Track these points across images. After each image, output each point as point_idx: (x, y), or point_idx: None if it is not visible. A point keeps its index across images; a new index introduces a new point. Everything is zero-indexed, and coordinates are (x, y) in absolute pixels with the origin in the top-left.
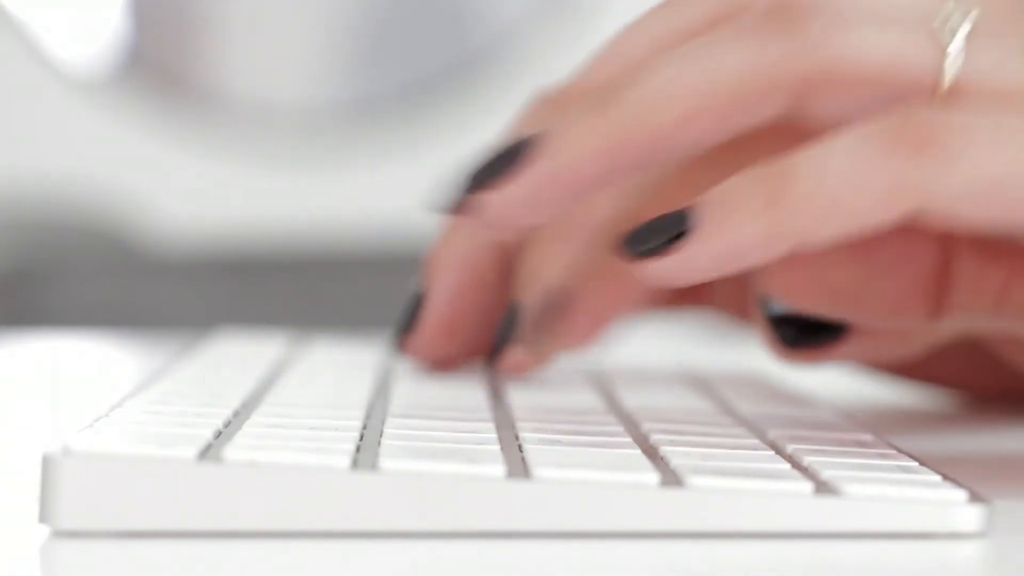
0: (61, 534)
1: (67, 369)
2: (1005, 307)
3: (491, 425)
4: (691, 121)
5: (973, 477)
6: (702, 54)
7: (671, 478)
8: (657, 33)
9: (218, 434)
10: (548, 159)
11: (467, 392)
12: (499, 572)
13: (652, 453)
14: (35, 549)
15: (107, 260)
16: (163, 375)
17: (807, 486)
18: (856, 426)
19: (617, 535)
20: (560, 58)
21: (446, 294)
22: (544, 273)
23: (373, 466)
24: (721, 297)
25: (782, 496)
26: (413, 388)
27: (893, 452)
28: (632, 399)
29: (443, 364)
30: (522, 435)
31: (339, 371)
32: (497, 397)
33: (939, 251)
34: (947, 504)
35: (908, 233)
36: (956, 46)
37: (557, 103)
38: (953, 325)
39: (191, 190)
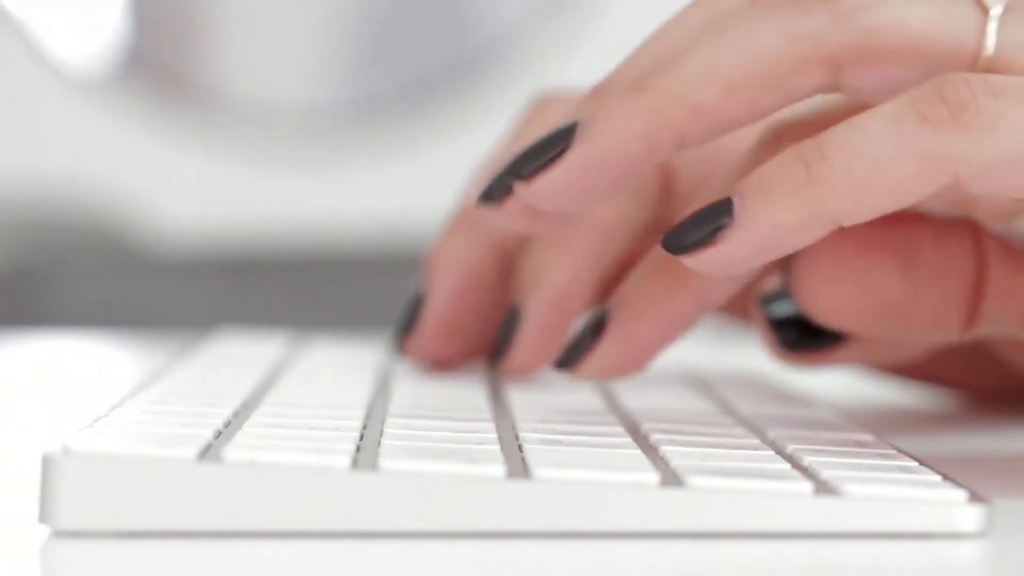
0: (61, 534)
1: (67, 369)
2: None
3: (491, 425)
4: (730, 97)
5: (973, 477)
6: (740, 29)
7: (671, 478)
8: (695, 24)
9: (218, 434)
10: (589, 144)
11: (467, 392)
12: (499, 572)
13: (652, 453)
14: (35, 549)
15: (107, 260)
16: (163, 375)
17: (807, 486)
18: (856, 426)
19: (617, 535)
20: (560, 58)
21: (446, 295)
22: (545, 275)
23: (373, 466)
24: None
25: (782, 496)
26: (413, 388)
27: (893, 452)
28: (632, 399)
29: (443, 364)
30: (522, 435)
31: (339, 371)
32: (497, 397)
33: (976, 261)
34: (947, 504)
35: (949, 244)
36: (994, 20)
37: (596, 92)
38: (980, 336)
39: (191, 190)
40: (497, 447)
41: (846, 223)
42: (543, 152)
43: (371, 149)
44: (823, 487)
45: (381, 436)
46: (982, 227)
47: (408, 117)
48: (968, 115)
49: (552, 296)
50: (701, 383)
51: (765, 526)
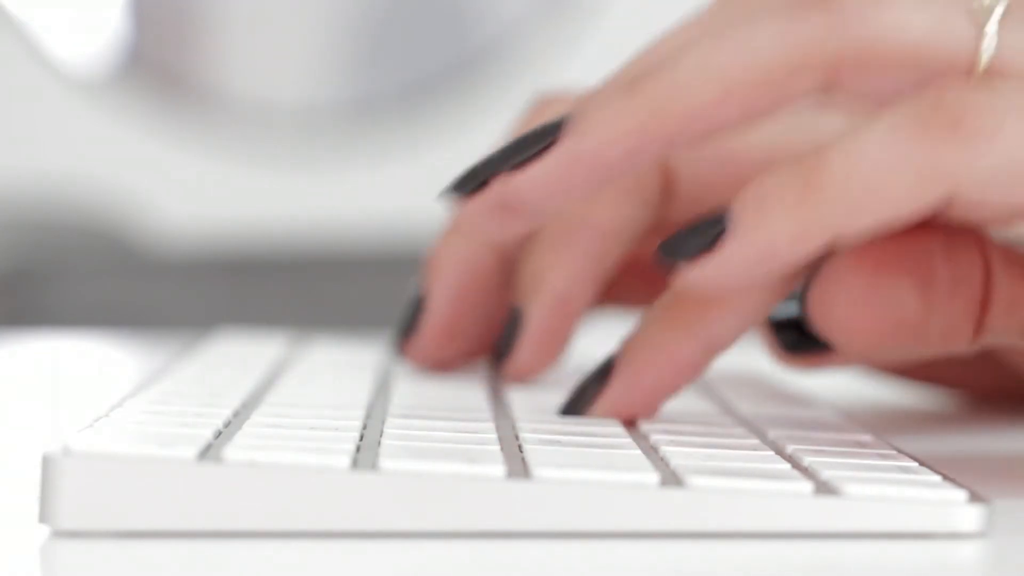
0: (61, 534)
1: (67, 369)
2: None
3: (491, 425)
4: (723, 100)
5: (973, 477)
6: (736, 32)
7: (671, 478)
8: (698, 28)
9: (218, 434)
10: (578, 139)
11: (467, 392)
12: (499, 572)
13: (652, 453)
14: (35, 549)
15: (107, 260)
16: (163, 375)
17: (807, 486)
18: (856, 426)
19: (617, 535)
20: (560, 58)
21: (446, 297)
22: (546, 277)
23: (373, 466)
24: None
25: (782, 496)
26: (413, 388)
27: (893, 452)
28: None
29: (443, 365)
30: (522, 435)
31: (339, 371)
32: (497, 397)
33: (984, 271)
34: (947, 504)
35: (959, 258)
36: (993, 24)
37: (590, 92)
38: (983, 347)
39: (191, 190)
40: (497, 447)
41: (844, 237)
42: (530, 145)
43: (371, 149)
44: (823, 487)
45: (381, 436)
46: (986, 237)
47: (408, 117)
48: (966, 126)
49: (553, 299)
50: (701, 383)
51: (765, 526)
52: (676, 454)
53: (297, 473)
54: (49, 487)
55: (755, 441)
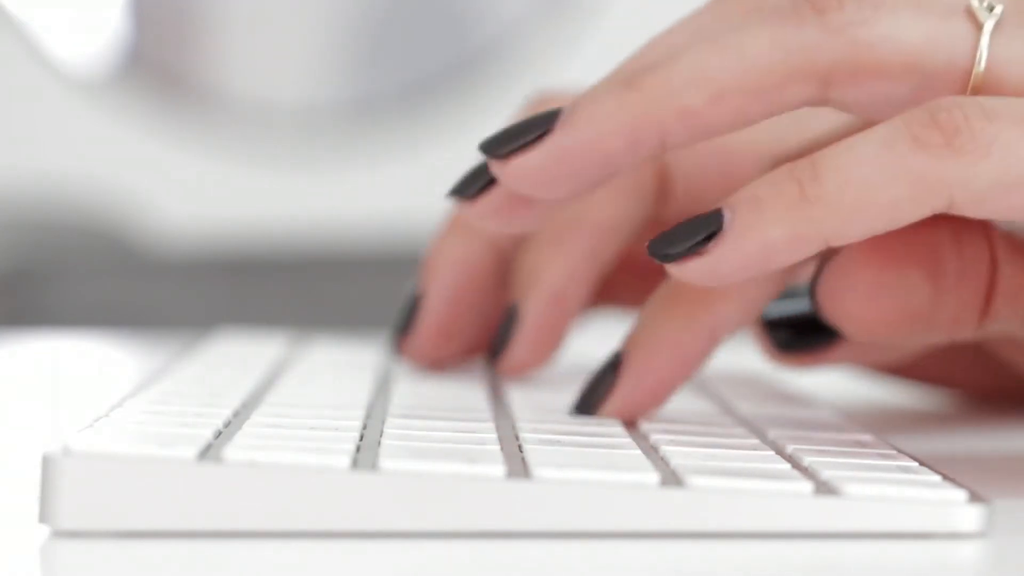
0: (61, 534)
1: (67, 369)
2: None
3: (491, 425)
4: (717, 103)
5: (973, 477)
6: (732, 37)
7: (671, 478)
8: (693, 32)
9: (218, 434)
10: (570, 131)
11: (467, 392)
12: (499, 572)
13: (652, 453)
14: (35, 549)
15: (107, 260)
16: (163, 375)
17: (807, 486)
18: (856, 426)
19: (617, 535)
20: (560, 58)
21: (443, 296)
22: (542, 274)
23: (373, 466)
24: None
25: (782, 496)
26: (413, 388)
27: (893, 452)
28: None
29: (440, 364)
30: (522, 435)
31: (339, 371)
32: (497, 397)
33: (990, 263)
34: (947, 504)
35: (967, 246)
36: (986, 36)
37: (587, 89)
38: (987, 334)
39: (191, 190)
40: (497, 447)
41: (836, 243)
42: (523, 133)
43: (371, 149)
44: (823, 487)
45: (381, 436)
46: (992, 227)
47: (408, 117)
48: (961, 139)
49: (549, 295)
50: (701, 383)
51: (765, 526)
52: (676, 454)
53: (297, 473)
54: (49, 487)
55: (755, 441)
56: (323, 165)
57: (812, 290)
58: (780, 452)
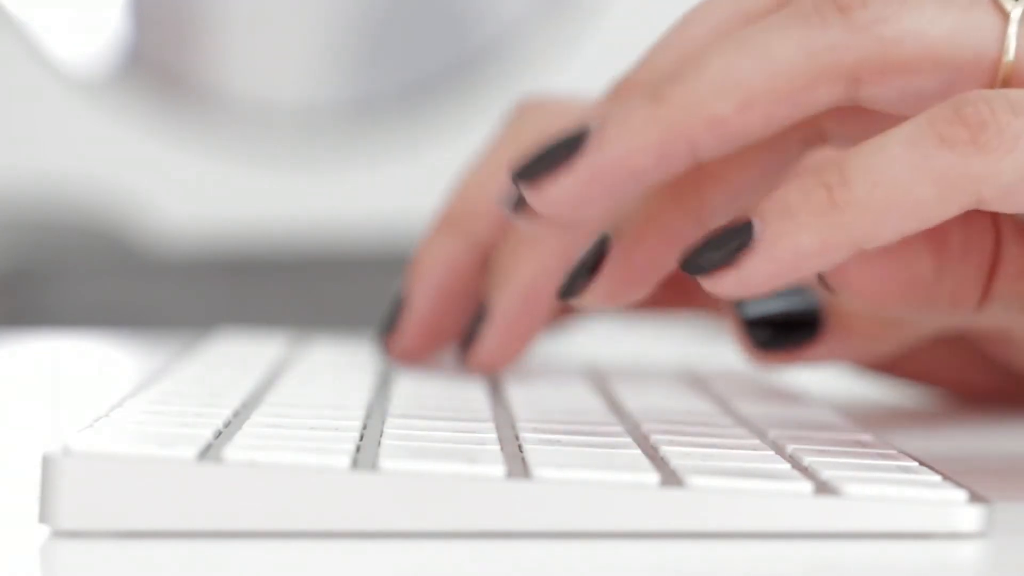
0: (61, 534)
1: (67, 369)
2: None
3: (491, 425)
4: (746, 110)
5: (973, 477)
6: (757, 41)
7: (671, 478)
8: (718, 19)
9: (218, 434)
10: (601, 151)
11: (467, 392)
12: (499, 572)
13: (652, 453)
14: (35, 549)
15: (107, 260)
16: (163, 375)
17: (807, 486)
18: (856, 426)
19: (617, 535)
20: (560, 58)
21: (427, 295)
22: (513, 271)
23: (373, 466)
24: (703, 297)
25: (782, 496)
26: (413, 388)
27: (893, 452)
28: (632, 399)
29: (422, 358)
30: (522, 435)
31: (339, 371)
32: (497, 397)
33: (995, 237)
34: (947, 504)
35: (973, 221)
36: (1013, 24)
37: (612, 97)
38: (987, 318)
39: (191, 190)
40: (497, 447)
41: (867, 247)
42: (553, 156)
43: (371, 149)
44: (823, 487)
45: (381, 436)
46: None
47: (408, 117)
48: (988, 135)
49: (519, 291)
50: (701, 383)
51: (765, 526)
52: (676, 454)
53: (297, 473)
54: (49, 487)
55: (755, 441)
56: (323, 165)
57: None
58: (780, 452)
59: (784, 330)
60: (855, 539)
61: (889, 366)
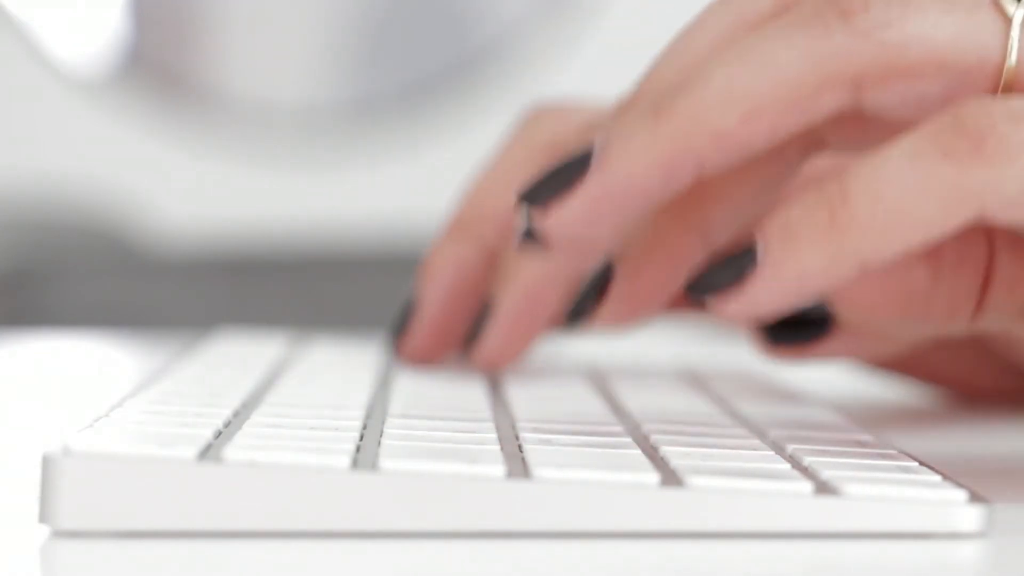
0: (61, 534)
1: (67, 369)
2: None
3: (491, 425)
4: (751, 121)
5: (973, 477)
6: (759, 50)
7: (671, 478)
8: (719, 30)
9: (218, 434)
10: (607, 171)
11: (467, 392)
12: (499, 572)
13: (652, 453)
14: (35, 549)
15: (107, 260)
16: (163, 375)
17: (807, 486)
18: (856, 426)
19: (617, 535)
20: (560, 58)
21: (438, 298)
22: (519, 272)
23: (373, 466)
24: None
25: (782, 496)
26: (413, 388)
27: (893, 452)
28: (632, 399)
29: (434, 360)
30: (522, 435)
31: (339, 371)
32: (497, 397)
33: (988, 247)
34: (947, 504)
35: (965, 234)
36: (1016, 27)
37: (615, 114)
38: (983, 327)
39: (191, 190)
40: (497, 447)
41: (872, 264)
42: (559, 178)
43: (371, 149)
44: (823, 487)
45: (381, 436)
46: None
47: (408, 117)
48: (990, 145)
49: (524, 291)
50: (701, 383)
51: (765, 526)
52: (676, 454)
53: (297, 473)
54: (49, 487)
55: (755, 441)
56: (323, 165)
57: None
58: (780, 452)
59: (796, 326)
60: (855, 539)
61: (898, 365)
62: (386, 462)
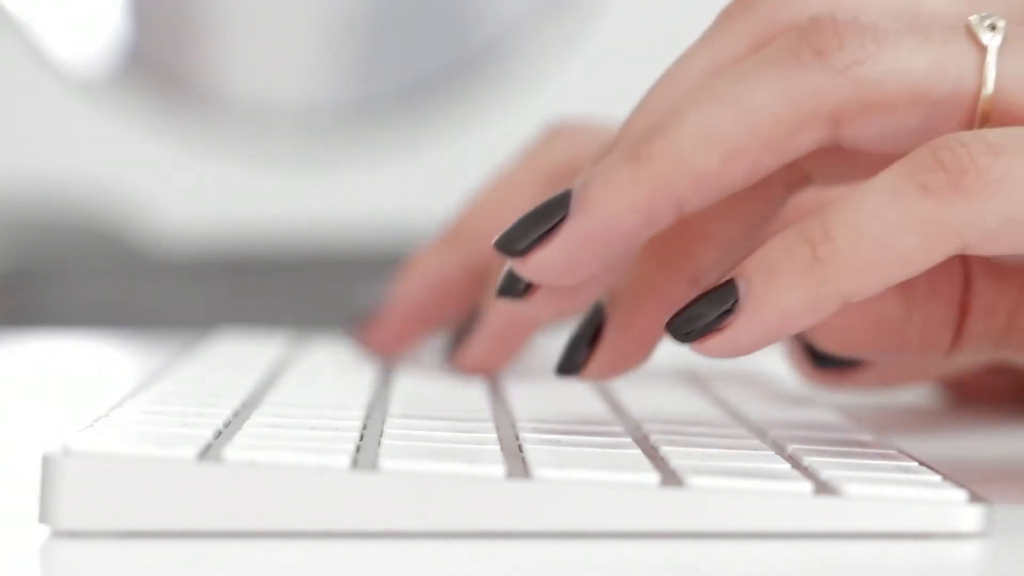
0: (61, 534)
1: (67, 369)
2: (1013, 330)
3: (491, 425)
4: (730, 162)
5: (973, 477)
6: (736, 90)
7: (671, 478)
8: (695, 76)
9: (218, 434)
10: (587, 215)
11: (467, 392)
12: (499, 572)
13: (652, 453)
14: (35, 549)
15: (107, 260)
16: (163, 375)
17: (807, 486)
18: (856, 426)
19: (617, 535)
20: (560, 58)
21: (409, 296)
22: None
23: (373, 466)
24: None
25: (782, 496)
26: (413, 388)
27: (893, 452)
28: (632, 399)
29: (395, 353)
30: (522, 435)
31: (339, 371)
32: (497, 397)
33: (962, 275)
34: (947, 504)
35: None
36: (992, 55)
37: (595, 156)
38: (964, 359)
39: (191, 190)
40: (497, 447)
41: (854, 299)
42: (537, 224)
43: (371, 149)
44: (823, 487)
45: (381, 436)
46: None
47: (408, 117)
48: (968, 180)
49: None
50: (701, 383)
51: (765, 526)
52: (676, 454)
53: (297, 473)
54: (49, 487)
55: (755, 441)
56: (323, 165)
57: None
58: (780, 452)
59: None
60: (855, 539)
61: (951, 385)
62: (386, 462)
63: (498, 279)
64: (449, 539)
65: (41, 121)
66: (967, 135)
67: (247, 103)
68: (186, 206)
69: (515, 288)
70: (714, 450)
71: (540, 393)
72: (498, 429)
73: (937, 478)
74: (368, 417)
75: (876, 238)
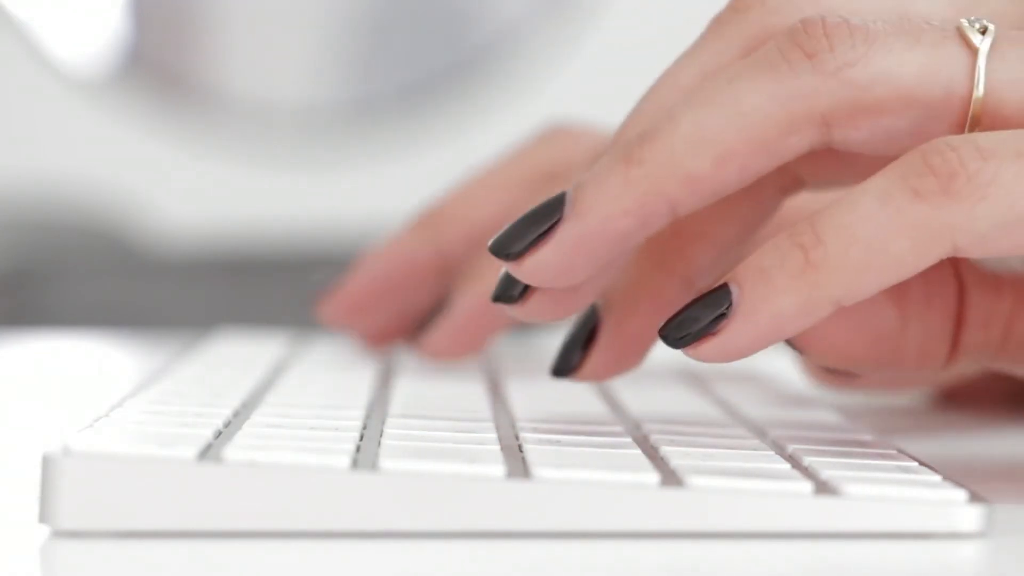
0: (61, 534)
1: (67, 369)
2: (1010, 341)
3: (491, 425)
4: (722, 164)
5: (973, 477)
6: (727, 93)
7: (671, 478)
8: (687, 82)
9: (218, 434)
10: (580, 218)
11: (467, 392)
12: (499, 572)
13: (652, 453)
14: (35, 549)
15: (107, 260)
16: (163, 375)
17: (807, 486)
18: (856, 426)
19: (617, 535)
20: (560, 58)
21: (370, 274)
22: (481, 273)
23: (373, 466)
24: None
25: (782, 496)
26: (413, 388)
27: (893, 452)
28: (632, 399)
29: (374, 339)
30: (522, 435)
31: (339, 371)
32: (497, 397)
33: (957, 287)
34: (947, 504)
35: (932, 271)
36: (982, 57)
37: (591, 160)
38: (962, 369)
39: (191, 190)
40: (497, 447)
41: (846, 303)
42: (531, 227)
43: (371, 149)
44: (823, 487)
45: (381, 436)
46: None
47: (408, 117)
48: (958, 183)
49: (482, 294)
50: (701, 383)
51: (765, 526)
52: (676, 454)
53: (297, 473)
54: (49, 487)
55: (755, 441)
56: (323, 165)
57: None
58: (780, 452)
59: None
60: (855, 539)
61: (954, 394)
62: (386, 462)
63: (495, 285)
64: (449, 539)
65: (41, 121)
66: (957, 139)
67: (247, 103)
68: (186, 206)
69: (511, 293)
70: (714, 450)
71: (540, 393)
72: (498, 429)
73: (937, 478)
74: (368, 417)
75: (867, 242)
